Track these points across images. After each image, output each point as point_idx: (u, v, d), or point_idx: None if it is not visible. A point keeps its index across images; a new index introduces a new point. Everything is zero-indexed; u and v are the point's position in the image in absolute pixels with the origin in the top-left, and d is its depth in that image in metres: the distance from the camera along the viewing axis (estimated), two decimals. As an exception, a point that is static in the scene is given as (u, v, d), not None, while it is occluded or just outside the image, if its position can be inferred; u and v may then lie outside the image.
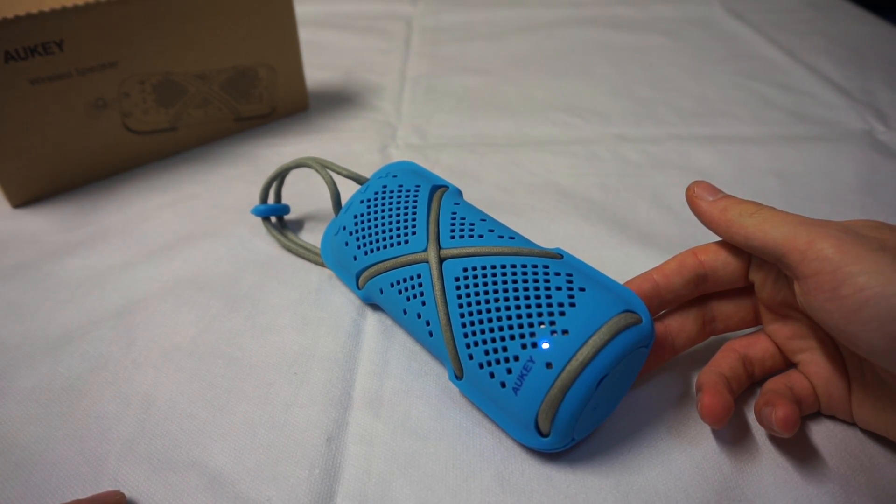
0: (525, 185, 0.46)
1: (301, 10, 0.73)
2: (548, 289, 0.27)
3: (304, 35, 0.68)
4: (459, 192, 0.35)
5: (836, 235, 0.24)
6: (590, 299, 0.26)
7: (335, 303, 0.36)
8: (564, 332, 0.25)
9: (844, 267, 0.23)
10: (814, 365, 0.28)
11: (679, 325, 0.31)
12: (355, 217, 0.34)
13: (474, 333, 0.27)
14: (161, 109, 0.47)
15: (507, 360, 0.26)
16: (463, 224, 0.31)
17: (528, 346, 0.26)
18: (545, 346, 0.25)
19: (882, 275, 0.22)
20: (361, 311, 0.35)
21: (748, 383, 0.30)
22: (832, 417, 0.29)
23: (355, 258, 0.34)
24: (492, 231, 0.31)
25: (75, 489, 0.27)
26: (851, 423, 0.29)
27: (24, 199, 0.44)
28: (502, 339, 0.27)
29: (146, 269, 0.38)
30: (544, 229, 0.42)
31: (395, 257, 0.31)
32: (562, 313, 0.26)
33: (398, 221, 0.32)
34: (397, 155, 0.50)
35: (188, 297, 0.36)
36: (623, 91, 0.60)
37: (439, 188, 0.34)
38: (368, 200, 0.34)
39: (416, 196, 0.33)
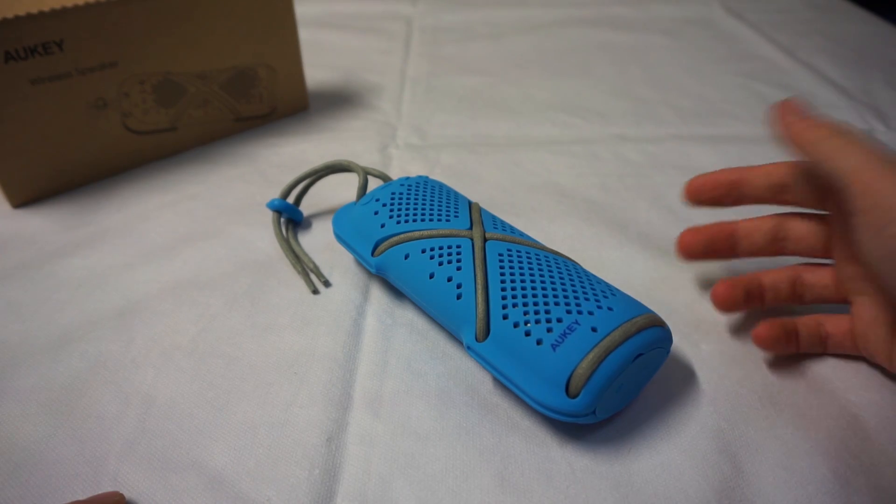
0: (525, 185, 0.46)
1: (301, 10, 0.73)
2: (590, 280, 0.29)
3: (304, 35, 0.68)
4: None
5: None
6: (626, 296, 0.29)
7: (335, 303, 0.36)
8: (609, 308, 0.27)
9: (894, 209, 0.23)
10: (865, 307, 0.29)
11: (748, 229, 0.32)
12: (392, 193, 0.35)
13: (514, 297, 0.28)
14: (161, 109, 0.47)
15: (548, 321, 0.27)
16: (504, 225, 0.33)
17: (574, 311, 0.27)
18: (590, 314, 0.27)
19: None
20: (361, 310, 0.35)
21: (790, 301, 0.32)
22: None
23: (383, 226, 0.34)
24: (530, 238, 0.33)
25: (75, 489, 0.27)
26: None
27: (24, 199, 0.44)
28: (545, 303, 0.28)
29: (146, 270, 0.38)
30: (544, 229, 0.42)
31: (434, 229, 0.32)
32: (605, 296, 0.28)
33: (440, 204, 0.34)
34: (397, 155, 0.50)
35: (188, 296, 0.36)
36: (623, 91, 0.60)
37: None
38: (409, 186, 0.36)
39: (456, 194, 0.36)
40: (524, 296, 0.28)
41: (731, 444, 0.28)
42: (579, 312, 0.27)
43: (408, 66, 0.66)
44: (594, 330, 0.27)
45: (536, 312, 0.28)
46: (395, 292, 0.37)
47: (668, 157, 0.50)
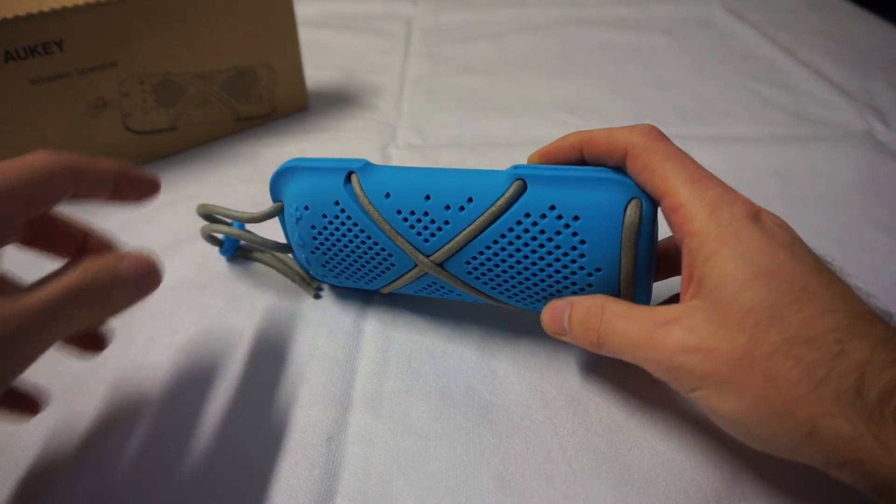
0: (525, 185, 0.46)
1: (301, 10, 0.73)
2: (550, 239, 0.27)
3: (304, 35, 0.68)
4: (366, 164, 0.31)
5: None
6: (593, 223, 0.26)
7: (335, 303, 0.36)
8: (598, 269, 0.27)
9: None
10: None
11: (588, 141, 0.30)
12: (324, 266, 0.33)
13: (524, 299, 0.30)
14: (161, 109, 0.47)
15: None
16: (417, 216, 0.29)
17: (579, 291, 0.28)
18: (591, 287, 0.28)
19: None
20: (361, 311, 0.35)
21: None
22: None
23: (361, 285, 0.34)
24: (448, 208, 0.29)
25: (75, 488, 0.27)
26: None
27: (24, 199, 0.44)
28: (552, 295, 0.29)
29: (146, 269, 0.38)
30: (544, 229, 0.41)
31: (397, 278, 0.32)
32: (581, 255, 0.27)
33: (361, 257, 0.32)
34: (397, 154, 0.50)
35: (188, 296, 0.36)
36: (623, 91, 0.60)
37: (348, 176, 0.31)
38: (315, 250, 0.32)
39: (349, 218, 0.31)
40: (532, 294, 0.29)
41: (730, 444, 0.28)
42: (582, 290, 0.28)
43: (408, 66, 0.66)
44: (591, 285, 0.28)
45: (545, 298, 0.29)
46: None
47: (668, 157, 0.50)
